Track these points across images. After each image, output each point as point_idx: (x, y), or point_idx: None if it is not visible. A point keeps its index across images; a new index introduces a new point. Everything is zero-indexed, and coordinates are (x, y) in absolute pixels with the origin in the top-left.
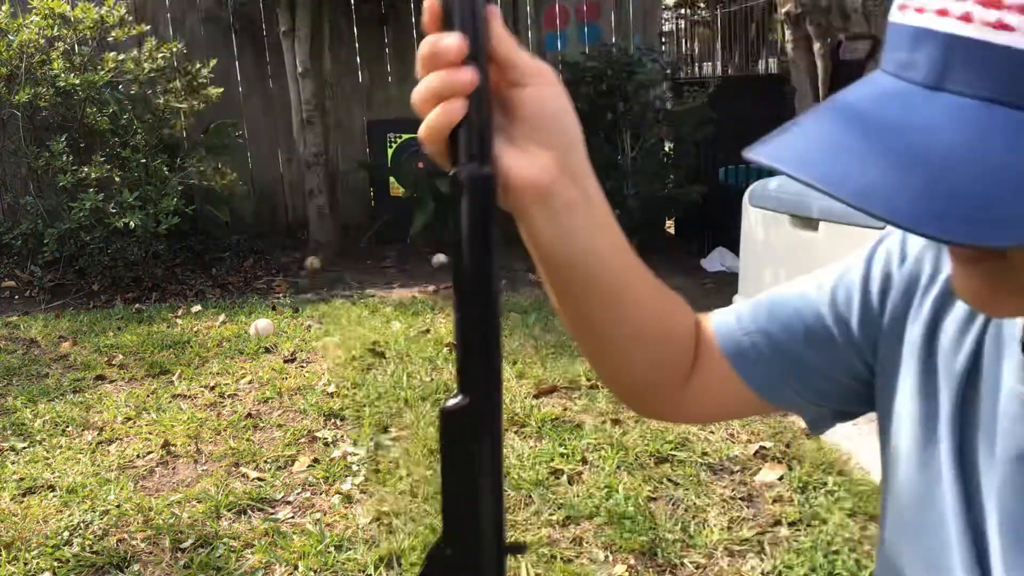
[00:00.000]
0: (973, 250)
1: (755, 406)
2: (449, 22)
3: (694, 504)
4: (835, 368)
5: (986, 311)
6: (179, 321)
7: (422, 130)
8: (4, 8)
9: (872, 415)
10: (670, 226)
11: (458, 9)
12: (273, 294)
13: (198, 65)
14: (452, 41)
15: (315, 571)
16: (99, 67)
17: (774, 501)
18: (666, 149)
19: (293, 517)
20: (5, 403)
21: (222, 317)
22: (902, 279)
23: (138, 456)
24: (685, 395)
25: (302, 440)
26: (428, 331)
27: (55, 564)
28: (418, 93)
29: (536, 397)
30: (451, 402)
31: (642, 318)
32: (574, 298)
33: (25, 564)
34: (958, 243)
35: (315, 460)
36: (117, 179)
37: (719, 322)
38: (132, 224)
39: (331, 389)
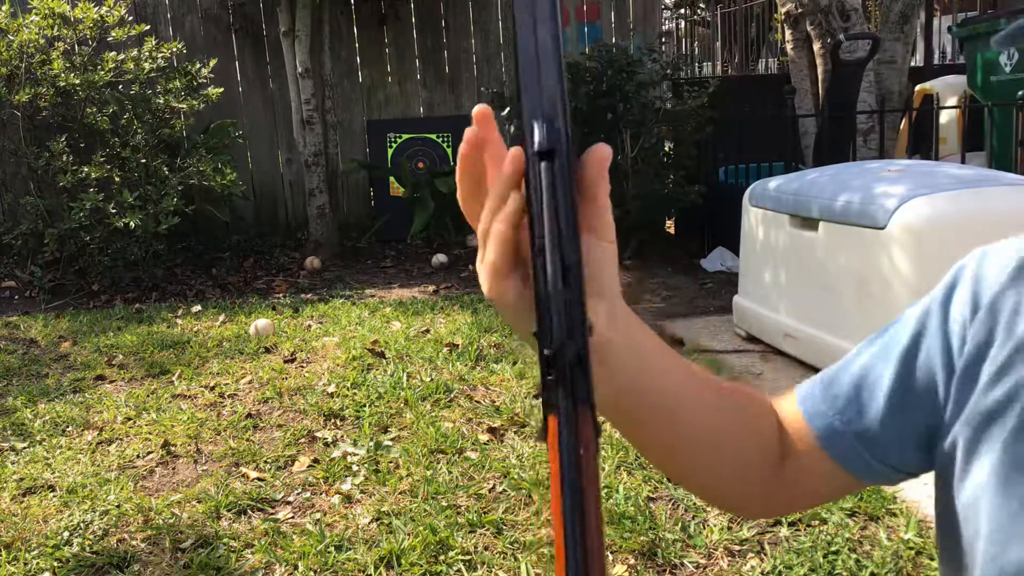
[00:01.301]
0: None
1: (852, 486)
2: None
3: (694, 504)
4: (920, 434)
5: None
6: (179, 321)
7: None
8: (4, 8)
9: None
10: (670, 226)
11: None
12: (273, 294)
13: (198, 65)
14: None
15: (315, 571)
16: (99, 67)
17: None
18: (666, 149)
19: (293, 517)
20: (5, 403)
21: (222, 317)
22: (976, 333)
23: (138, 456)
24: (781, 488)
25: (302, 440)
26: (428, 331)
27: (55, 564)
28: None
29: (536, 397)
30: None
31: (709, 428)
32: (639, 430)
33: (25, 564)
34: None
35: (315, 460)
36: (117, 179)
37: (805, 401)
38: (132, 224)
39: (331, 389)
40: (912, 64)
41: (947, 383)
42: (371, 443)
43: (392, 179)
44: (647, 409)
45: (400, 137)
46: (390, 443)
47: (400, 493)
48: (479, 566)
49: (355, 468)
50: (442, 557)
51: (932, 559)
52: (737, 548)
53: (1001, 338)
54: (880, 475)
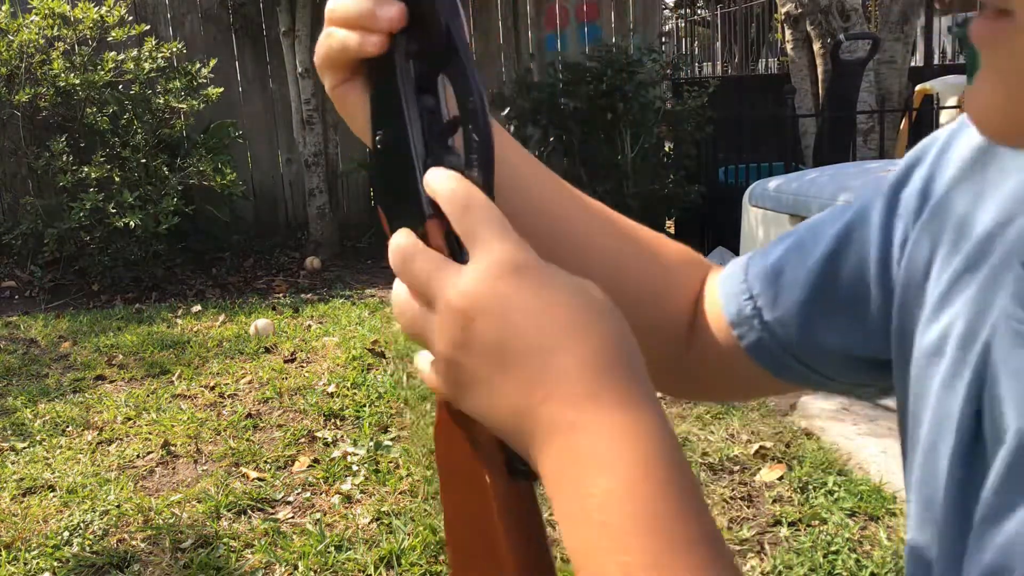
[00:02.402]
0: None
1: (771, 382)
2: None
3: None
4: (844, 347)
5: (998, 138)
6: (179, 321)
7: (319, 49)
8: (4, 8)
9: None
10: (670, 226)
11: None
12: (273, 294)
13: (198, 65)
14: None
15: (315, 571)
16: (99, 67)
17: (774, 501)
18: (666, 149)
19: (293, 517)
20: (5, 403)
21: (222, 317)
22: (917, 242)
23: (138, 456)
24: (689, 362)
25: (302, 440)
26: None
27: (55, 564)
28: (333, 10)
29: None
30: None
31: (597, 251)
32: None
33: (25, 564)
34: None
35: (315, 460)
36: (117, 179)
37: (725, 278)
38: (132, 224)
39: (331, 389)
40: (912, 64)
41: (884, 304)
42: (371, 443)
43: None
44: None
45: None
46: (390, 443)
47: (400, 493)
48: None
49: (355, 468)
50: (442, 557)
51: None
52: (737, 548)
53: (947, 249)
54: (800, 376)
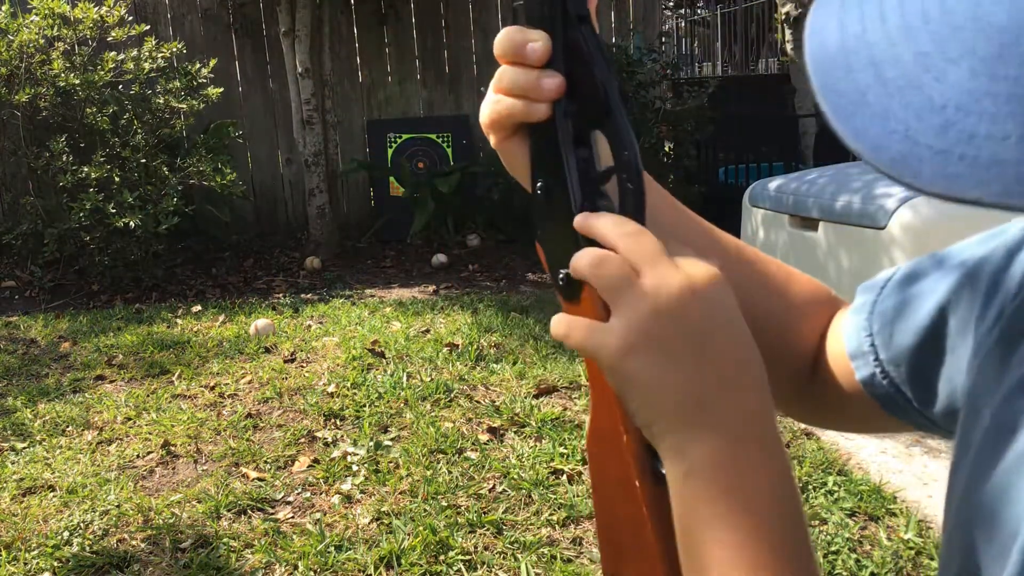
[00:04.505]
0: None
1: (884, 418)
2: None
3: None
4: (954, 390)
5: None
6: (179, 321)
7: (488, 112)
8: (4, 8)
9: None
10: None
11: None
12: (273, 294)
13: (198, 65)
14: (538, 45)
15: (315, 571)
16: (99, 67)
17: None
18: (666, 149)
19: (293, 517)
20: (5, 403)
21: (222, 317)
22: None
23: (138, 456)
24: (813, 391)
25: (302, 440)
26: (428, 331)
27: (55, 564)
28: (500, 81)
29: (536, 397)
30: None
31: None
32: None
33: (25, 564)
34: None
35: (315, 460)
36: (117, 179)
37: (852, 313)
38: (132, 224)
39: (331, 389)
40: None
41: (971, 362)
42: (371, 443)
43: (392, 179)
44: None
45: (400, 137)
46: (390, 443)
47: (400, 493)
48: (479, 566)
49: (355, 468)
50: (442, 557)
51: (932, 559)
52: None
53: None
54: (910, 416)
